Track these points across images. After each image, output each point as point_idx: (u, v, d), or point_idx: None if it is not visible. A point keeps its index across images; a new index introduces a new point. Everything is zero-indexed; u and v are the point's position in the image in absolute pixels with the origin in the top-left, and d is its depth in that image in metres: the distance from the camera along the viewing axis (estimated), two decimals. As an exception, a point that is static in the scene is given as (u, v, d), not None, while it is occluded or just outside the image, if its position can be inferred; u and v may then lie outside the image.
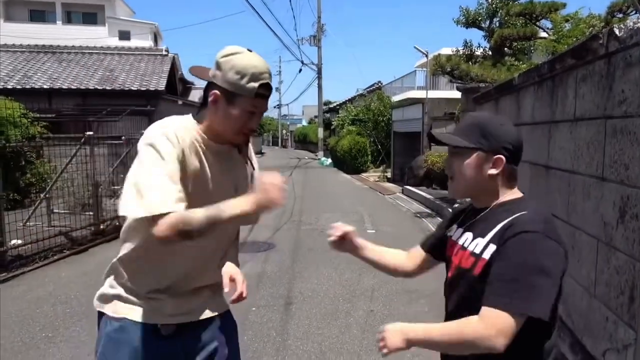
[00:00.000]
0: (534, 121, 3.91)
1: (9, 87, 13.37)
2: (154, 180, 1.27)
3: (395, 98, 18.17)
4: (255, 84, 1.33)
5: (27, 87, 13.76)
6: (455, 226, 1.38)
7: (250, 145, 1.58)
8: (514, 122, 4.56)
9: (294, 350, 3.42)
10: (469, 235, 1.28)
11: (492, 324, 1.06)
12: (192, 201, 1.31)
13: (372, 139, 20.50)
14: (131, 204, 1.27)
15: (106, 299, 1.51)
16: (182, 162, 1.33)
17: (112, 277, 1.51)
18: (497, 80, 7.95)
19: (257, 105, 1.38)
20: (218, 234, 1.42)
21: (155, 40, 30.66)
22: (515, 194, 1.27)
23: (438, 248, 1.44)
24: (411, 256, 1.53)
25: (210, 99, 1.37)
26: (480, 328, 1.07)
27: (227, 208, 1.28)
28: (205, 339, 1.53)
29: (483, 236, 1.21)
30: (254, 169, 1.58)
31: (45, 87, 14.03)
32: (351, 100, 28.17)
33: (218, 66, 1.36)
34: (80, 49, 17.44)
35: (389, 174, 17.36)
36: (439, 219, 8.59)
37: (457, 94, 12.05)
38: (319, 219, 8.58)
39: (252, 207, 1.29)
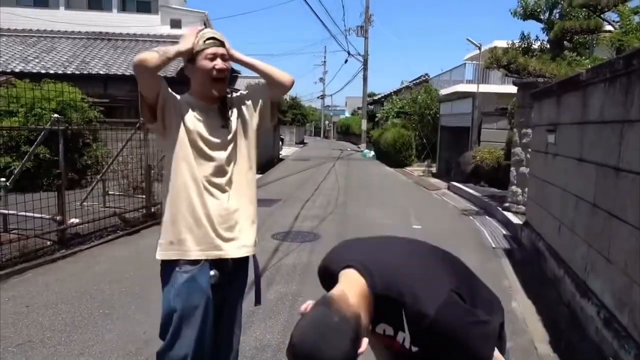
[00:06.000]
0: (602, 120, 3.69)
1: (69, 72, 13.99)
2: None
3: (443, 91, 17.75)
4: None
5: (85, 72, 14.35)
6: None
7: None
8: (578, 120, 4.32)
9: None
10: None
11: None
12: (199, 148, 1.97)
13: (417, 132, 20.13)
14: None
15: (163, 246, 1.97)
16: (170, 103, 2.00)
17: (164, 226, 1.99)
18: (557, 75, 7.58)
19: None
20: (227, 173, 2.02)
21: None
22: None
23: None
24: None
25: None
26: None
27: (170, 48, 1.91)
28: (228, 277, 2.02)
29: None
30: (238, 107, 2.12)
31: (101, 72, 14.59)
32: (396, 92, 27.75)
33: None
34: (134, 37, 18.04)
35: (433, 169, 17.03)
36: (487, 217, 8.33)
37: (509, 89, 11.61)
38: (364, 211, 8.53)
39: (180, 47, 1.94)
